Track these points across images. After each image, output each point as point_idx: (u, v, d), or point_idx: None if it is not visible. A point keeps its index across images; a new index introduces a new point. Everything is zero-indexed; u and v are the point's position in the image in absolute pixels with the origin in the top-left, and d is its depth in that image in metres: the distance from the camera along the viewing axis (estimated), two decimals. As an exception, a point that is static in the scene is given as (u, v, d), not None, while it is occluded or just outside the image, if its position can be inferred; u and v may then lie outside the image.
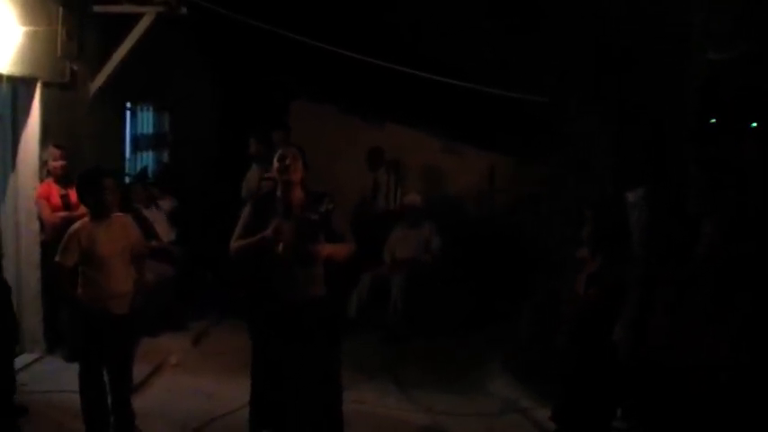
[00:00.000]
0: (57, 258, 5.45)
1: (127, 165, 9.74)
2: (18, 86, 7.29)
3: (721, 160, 3.52)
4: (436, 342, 8.87)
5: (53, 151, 7.35)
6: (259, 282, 5.31)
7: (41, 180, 7.37)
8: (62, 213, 7.16)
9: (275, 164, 5.25)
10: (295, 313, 5.20)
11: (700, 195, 3.49)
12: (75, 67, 7.83)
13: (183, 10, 8.19)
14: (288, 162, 5.19)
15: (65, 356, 7.23)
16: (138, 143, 10.16)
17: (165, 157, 10.89)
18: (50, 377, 6.91)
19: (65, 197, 7.27)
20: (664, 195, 6.53)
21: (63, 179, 7.32)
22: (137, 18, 8.09)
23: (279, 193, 5.32)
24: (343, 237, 5.33)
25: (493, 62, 8.35)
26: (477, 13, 8.11)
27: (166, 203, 9.18)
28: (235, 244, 5.30)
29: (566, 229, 5.10)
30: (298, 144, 5.53)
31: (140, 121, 10.28)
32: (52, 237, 6.96)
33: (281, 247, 5.07)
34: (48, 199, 7.25)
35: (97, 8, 8.09)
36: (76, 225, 5.50)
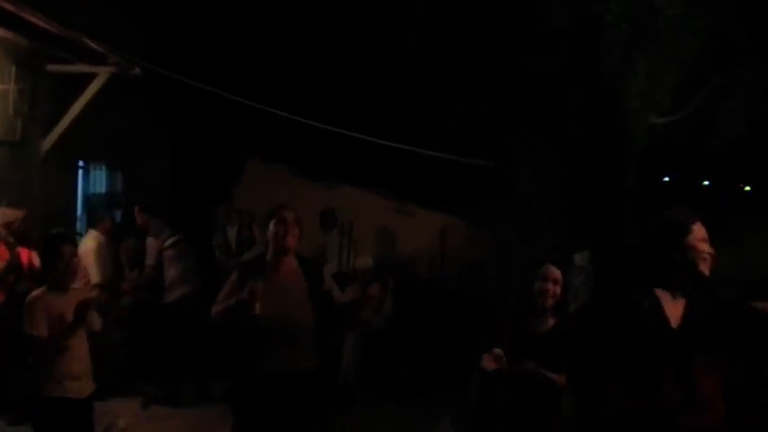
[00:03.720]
0: (29, 331, 4.86)
1: (78, 224, 9.67)
2: (-32, 145, 7.27)
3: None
4: (389, 404, 8.84)
5: (3, 211, 7.28)
6: (237, 354, 4.96)
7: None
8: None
9: (271, 227, 4.94)
10: (279, 391, 4.81)
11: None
12: (28, 125, 7.81)
13: (137, 70, 8.26)
14: (288, 226, 4.91)
15: (9, 420, 7.08)
16: (89, 202, 10.10)
17: (118, 216, 10.84)
18: (-7, 442, 6.76)
19: (13, 258, 7.18)
20: (609, 258, 6.66)
21: (19, 237, 7.25)
22: (90, 78, 8.13)
23: (269, 257, 4.98)
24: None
25: (442, 125, 8.48)
26: (430, 79, 8.24)
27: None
28: (215, 308, 4.96)
29: (508, 292, 5.10)
30: (294, 211, 5.12)
31: (93, 179, 10.24)
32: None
33: (257, 307, 4.68)
34: (-2, 257, 7.17)
35: (51, 67, 8.14)
36: (35, 293, 5.00)
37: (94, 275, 8.10)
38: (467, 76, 7.66)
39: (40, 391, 4.92)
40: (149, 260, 8.46)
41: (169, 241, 8.37)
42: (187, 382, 8.42)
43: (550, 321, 5.07)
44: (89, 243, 8.29)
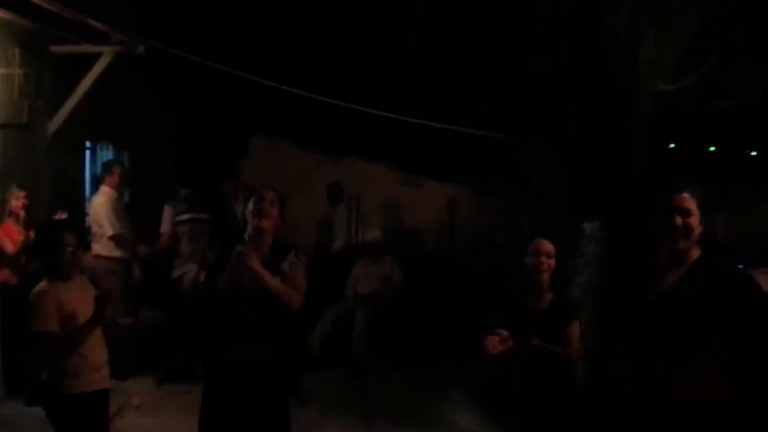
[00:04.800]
0: (37, 329, 4.59)
1: (87, 205, 9.69)
2: (-24, 129, 7.28)
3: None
4: (399, 376, 8.91)
5: (14, 192, 7.32)
6: (208, 342, 4.83)
7: (1, 221, 7.33)
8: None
9: (250, 204, 4.76)
10: (244, 379, 4.67)
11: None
12: (34, 107, 7.82)
13: (141, 49, 8.25)
14: (264, 205, 4.71)
15: (25, 401, 7.15)
16: (98, 182, 10.10)
17: (126, 195, 10.86)
18: (10, 422, 6.82)
19: (26, 239, 7.22)
20: (620, 227, 6.66)
21: (25, 220, 7.29)
22: (95, 58, 8.12)
23: (247, 235, 4.81)
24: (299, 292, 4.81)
25: (451, 97, 8.45)
26: (438, 51, 8.20)
27: None
28: (187, 283, 4.88)
29: (520, 262, 5.04)
30: (278, 190, 4.94)
31: (100, 159, 10.24)
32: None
33: (202, 275, 4.60)
34: (9, 238, 7.21)
35: (55, 49, 8.13)
36: (41, 287, 4.69)
37: (107, 229, 8.15)
38: (470, 56, 7.63)
39: (57, 387, 4.69)
40: (163, 227, 8.50)
41: (183, 216, 8.38)
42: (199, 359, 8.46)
43: (548, 296, 4.97)
44: (99, 199, 8.34)
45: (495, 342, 4.61)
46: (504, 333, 4.63)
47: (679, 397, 3.36)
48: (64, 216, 7.27)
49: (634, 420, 3.48)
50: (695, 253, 3.49)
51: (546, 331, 4.79)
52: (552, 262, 4.96)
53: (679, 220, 3.43)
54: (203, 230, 8.32)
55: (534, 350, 4.74)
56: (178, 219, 8.38)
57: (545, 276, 4.95)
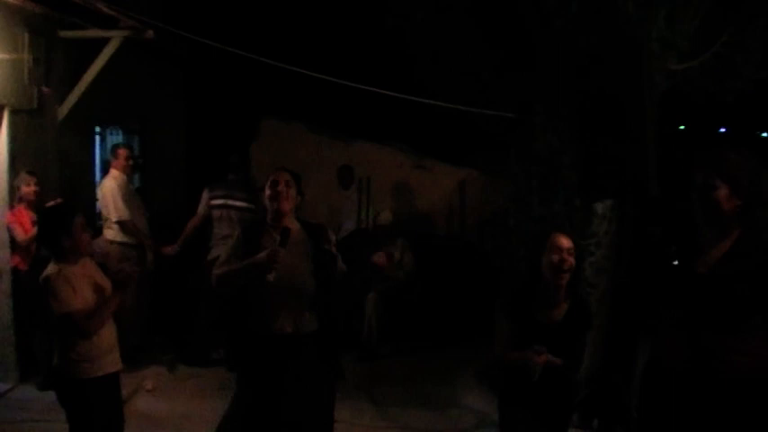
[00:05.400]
0: (61, 311, 4.54)
1: (96, 190, 9.69)
2: (-15, 114, 7.28)
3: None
4: (410, 358, 8.94)
5: (25, 177, 7.33)
6: (242, 316, 4.81)
7: (12, 207, 7.35)
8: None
9: (266, 190, 4.76)
10: (285, 351, 4.69)
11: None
12: (44, 92, 7.82)
13: (150, 33, 8.22)
14: (280, 188, 4.72)
15: (38, 385, 7.19)
16: (108, 167, 10.11)
17: (136, 180, 10.87)
18: (24, 407, 6.85)
19: (37, 223, 7.23)
20: (634, 207, 6.64)
21: (35, 205, 7.30)
22: (104, 42, 8.11)
23: (269, 220, 4.81)
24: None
25: (463, 77, 8.41)
26: (449, 30, 8.15)
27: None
28: (219, 270, 4.79)
29: (533, 257, 4.72)
30: (291, 169, 4.98)
31: (109, 144, 10.23)
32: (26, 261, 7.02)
33: (273, 275, 4.51)
34: (20, 224, 7.22)
35: (64, 33, 8.11)
36: (53, 270, 4.64)
37: (112, 214, 8.18)
38: (482, 33, 7.58)
39: (69, 373, 4.66)
40: (200, 209, 8.54)
41: (217, 201, 8.40)
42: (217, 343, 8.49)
43: (564, 304, 4.50)
44: (106, 183, 8.37)
45: (536, 356, 4.31)
46: (543, 348, 4.32)
47: (728, 370, 3.36)
48: (59, 201, 7.24)
49: (683, 394, 3.47)
50: (735, 227, 3.46)
51: (559, 344, 4.40)
52: (573, 260, 4.45)
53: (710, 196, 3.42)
54: (236, 217, 8.29)
55: (553, 365, 4.37)
56: (213, 202, 8.43)
57: (566, 278, 4.43)
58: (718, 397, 3.39)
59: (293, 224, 4.78)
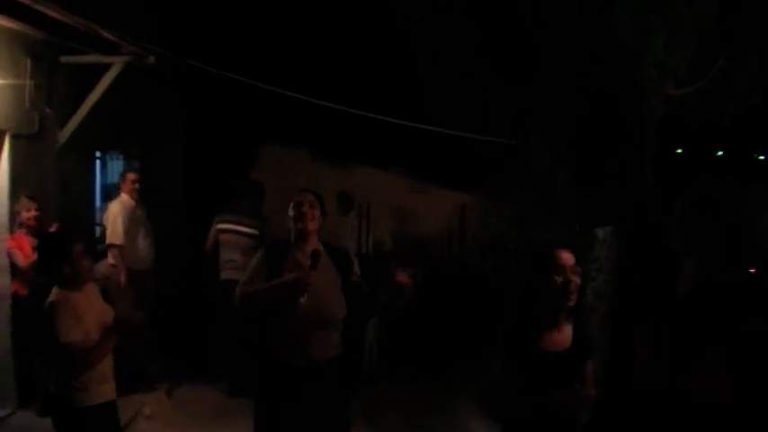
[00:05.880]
0: (65, 340, 4.49)
1: (97, 215, 9.70)
2: (-14, 139, 7.29)
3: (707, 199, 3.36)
4: (411, 384, 8.90)
5: (26, 202, 7.33)
6: (267, 341, 4.71)
7: (12, 232, 7.34)
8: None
9: (290, 211, 4.71)
10: (309, 378, 4.61)
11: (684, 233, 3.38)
12: (45, 117, 7.84)
13: (151, 59, 8.25)
14: (304, 209, 4.70)
15: (38, 411, 7.14)
16: (108, 192, 10.11)
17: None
18: (23, 432, 6.81)
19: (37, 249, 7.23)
20: (633, 232, 6.65)
21: (35, 230, 7.29)
22: (105, 68, 8.14)
23: (292, 241, 4.76)
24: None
25: (462, 103, 8.45)
26: (448, 57, 8.20)
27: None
28: (243, 289, 4.65)
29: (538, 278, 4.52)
30: (314, 190, 4.96)
31: (110, 169, 10.26)
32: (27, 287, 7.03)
33: (304, 298, 4.44)
34: (20, 250, 7.22)
35: (65, 59, 8.14)
36: (57, 296, 4.61)
37: (110, 237, 8.23)
38: (482, 60, 7.63)
39: (67, 401, 4.63)
40: (209, 240, 8.64)
41: (223, 226, 8.48)
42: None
43: (567, 331, 4.12)
44: (112, 206, 8.42)
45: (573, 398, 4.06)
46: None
47: (710, 396, 3.33)
48: (56, 227, 7.26)
49: (667, 420, 3.45)
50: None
51: (564, 374, 4.08)
52: (578, 279, 4.05)
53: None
54: (242, 243, 8.35)
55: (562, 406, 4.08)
56: (219, 227, 8.50)
57: (573, 300, 4.02)
58: (702, 424, 3.37)
59: (318, 246, 4.76)
